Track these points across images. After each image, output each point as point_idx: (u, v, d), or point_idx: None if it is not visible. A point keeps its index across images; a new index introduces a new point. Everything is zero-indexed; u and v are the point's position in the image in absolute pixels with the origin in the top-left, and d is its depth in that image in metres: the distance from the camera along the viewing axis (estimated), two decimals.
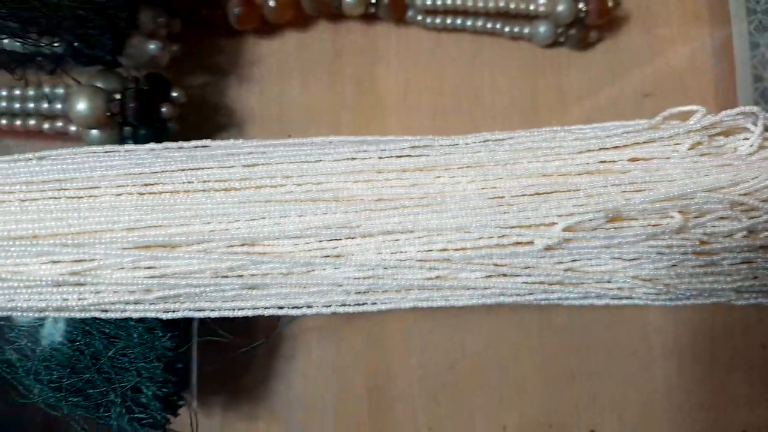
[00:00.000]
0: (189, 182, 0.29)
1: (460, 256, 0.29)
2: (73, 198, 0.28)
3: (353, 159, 0.30)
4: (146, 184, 0.28)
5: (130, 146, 0.30)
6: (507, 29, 0.42)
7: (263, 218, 0.28)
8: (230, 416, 0.40)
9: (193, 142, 0.31)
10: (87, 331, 0.32)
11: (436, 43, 0.43)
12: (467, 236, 0.29)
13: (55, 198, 0.28)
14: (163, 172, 0.29)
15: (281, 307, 0.30)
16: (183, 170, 0.29)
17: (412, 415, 0.41)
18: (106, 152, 0.30)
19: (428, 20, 0.43)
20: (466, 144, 0.31)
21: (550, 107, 0.44)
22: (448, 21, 0.43)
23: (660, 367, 0.42)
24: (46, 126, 0.36)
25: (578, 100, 0.43)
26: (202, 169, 0.29)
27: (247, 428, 0.40)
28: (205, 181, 0.29)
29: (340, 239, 0.29)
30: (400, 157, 0.30)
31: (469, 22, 0.43)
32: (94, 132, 0.36)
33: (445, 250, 0.29)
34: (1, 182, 0.29)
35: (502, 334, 0.41)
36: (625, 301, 0.33)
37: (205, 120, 0.41)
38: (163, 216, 0.28)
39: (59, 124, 0.37)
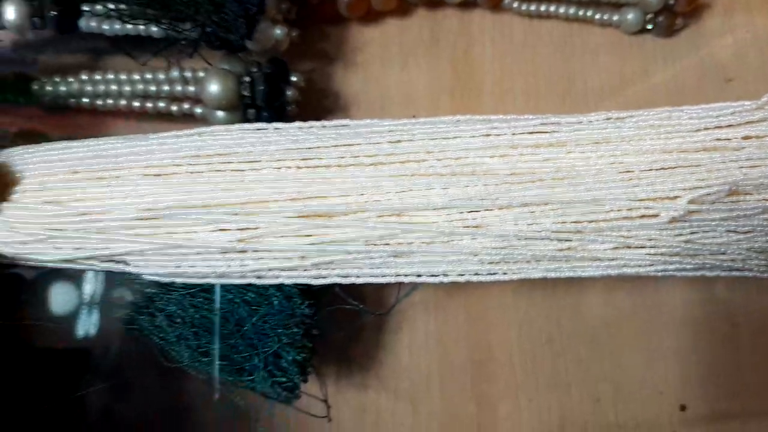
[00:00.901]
0: (341, 157, 0.31)
1: (592, 227, 0.31)
2: (236, 171, 0.30)
3: (488, 135, 0.32)
4: (304, 159, 0.31)
5: (279, 124, 0.32)
6: (597, 16, 0.44)
7: (411, 190, 0.31)
8: (342, 385, 0.42)
9: (336, 121, 0.33)
10: (231, 299, 0.34)
11: (528, 29, 0.45)
12: (598, 209, 0.31)
13: (220, 171, 0.30)
14: (317, 147, 0.31)
15: (420, 275, 0.32)
16: (335, 146, 0.31)
17: (514, 386, 0.42)
18: (258, 129, 0.32)
19: (523, 7, 0.45)
20: (590, 122, 0.33)
21: (636, 92, 0.46)
22: (542, 8, 0.45)
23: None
24: (174, 108, 0.38)
25: (664, 85, 0.44)
26: (352, 145, 0.31)
27: (358, 397, 0.42)
28: (355, 156, 0.31)
29: (479, 211, 0.31)
30: (533, 133, 0.32)
31: (561, 9, 0.45)
32: (220, 113, 0.38)
33: (578, 222, 0.31)
34: (171, 155, 0.31)
35: (594, 310, 0.43)
36: (736, 273, 0.34)
37: (313, 104, 0.43)
38: (322, 188, 0.30)
39: (186, 106, 0.39)
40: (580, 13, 0.44)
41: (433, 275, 0.32)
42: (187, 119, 0.39)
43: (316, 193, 0.30)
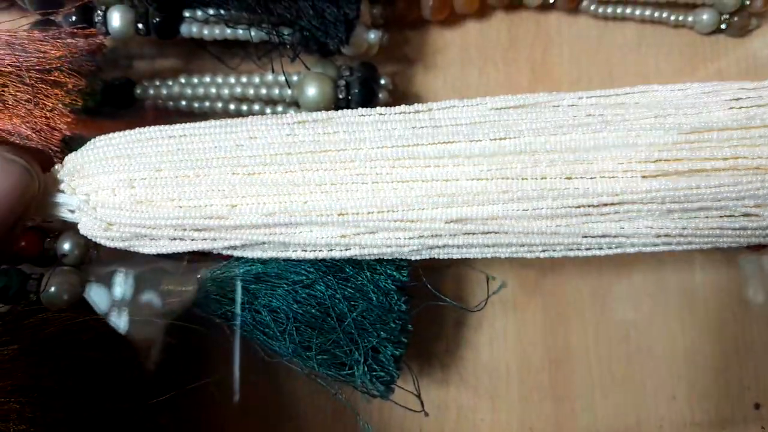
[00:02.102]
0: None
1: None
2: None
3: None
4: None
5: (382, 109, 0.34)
6: (672, 17, 0.44)
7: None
8: (425, 382, 0.43)
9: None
10: (331, 295, 0.35)
11: (603, 31, 0.45)
12: None
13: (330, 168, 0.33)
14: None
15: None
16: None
17: (590, 383, 0.43)
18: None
19: (599, 10, 0.45)
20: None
21: None
22: (618, 10, 0.45)
23: None
24: (268, 111, 0.40)
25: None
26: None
27: (440, 393, 0.43)
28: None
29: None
30: None
31: (637, 11, 0.45)
32: None
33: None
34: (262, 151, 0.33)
35: (669, 310, 0.44)
36: None
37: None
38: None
39: (280, 108, 0.40)
40: (655, 14, 0.44)
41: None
42: None
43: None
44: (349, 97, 0.38)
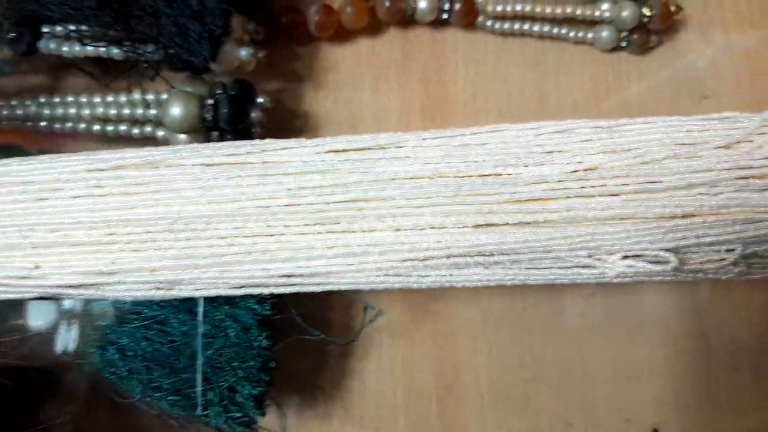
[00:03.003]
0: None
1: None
2: None
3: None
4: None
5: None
6: (571, 34, 0.42)
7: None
8: (305, 415, 0.40)
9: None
10: (185, 332, 0.31)
11: (501, 47, 0.43)
12: None
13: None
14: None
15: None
16: None
17: (481, 413, 0.40)
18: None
19: (496, 26, 0.43)
20: None
21: (611, 110, 0.44)
22: (516, 26, 0.43)
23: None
24: (135, 131, 0.36)
25: (638, 102, 0.43)
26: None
27: (323, 427, 0.40)
28: None
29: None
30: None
31: (535, 28, 0.43)
32: (183, 137, 0.36)
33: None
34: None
35: (567, 334, 0.41)
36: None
37: (282, 125, 0.41)
38: None
39: (148, 129, 0.37)
40: (554, 31, 0.42)
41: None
42: (148, 142, 0.37)
43: None
44: (217, 117, 0.34)
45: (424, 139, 0.28)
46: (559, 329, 0.40)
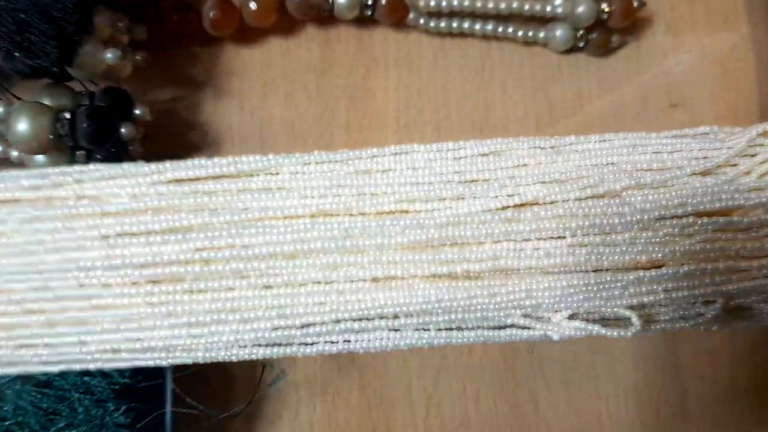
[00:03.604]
0: None
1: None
2: None
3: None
4: None
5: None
6: (520, 33, 0.36)
7: None
8: None
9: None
10: (20, 406, 0.24)
11: (439, 49, 0.36)
12: None
13: None
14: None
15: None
16: None
17: None
18: None
19: (431, 24, 0.36)
20: None
21: (567, 119, 0.38)
22: (454, 24, 0.36)
23: None
24: None
25: (600, 111, 0.37)
26: None
27: None
28: None
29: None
30: None
31: (477, 26, 0.36)
32: (39, 158, 0.28)
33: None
34: None
35: (522, 384, 0.35)
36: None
37: (175, 139, 0.34)
38: None
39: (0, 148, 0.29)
40: (500, 29, 0.35)
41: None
42: (3, 164, 0.29)
43: None
44: (75, 134, 0.27)
45: (306, 164, 0.21)
46: (511, 377, 0.35)
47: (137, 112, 0.30)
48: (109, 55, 0.29)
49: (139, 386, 0.26)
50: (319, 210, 0.20)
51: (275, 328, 0.20)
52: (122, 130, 0.29)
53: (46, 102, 0.29)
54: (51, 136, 0.28)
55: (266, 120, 0.35)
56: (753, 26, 0.38)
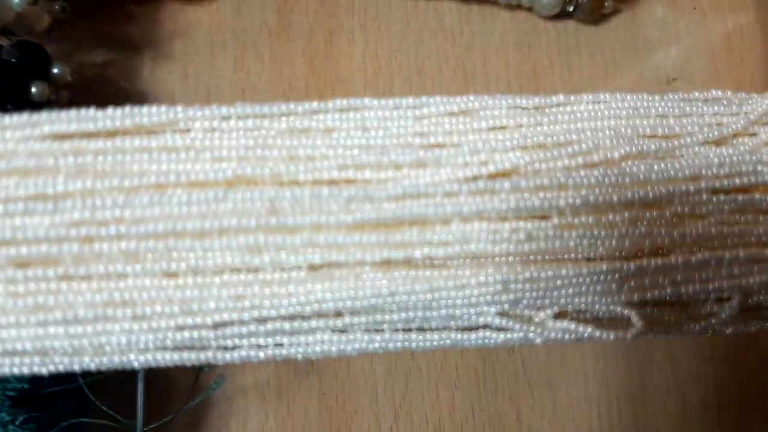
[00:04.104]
0: None
1: None
2: None
3: None
4: None
5: None
6: None
7: None
8: None
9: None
10: None
11: (411, 12, 0.34)
12: None
13: None
14: None
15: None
16: None
17: None
18: None
19: None
20: None
21: (555, 93, 0.34)
22: None
23: None
24: None
25: (589, 84, 0.34)
26: None
27: None
28: None
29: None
30: None
31: None
32: None
33: None
34: None
35: (500, 389, 0.31)
36: None
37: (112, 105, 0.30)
38: None
39: None
40: None
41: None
42: None
43: None
44: None
45: (224, 118, 0.16)
46: (491, 381, 0.31)
47: (55, 71, 0.26)
48: (16, 1, 0.24)
49: (43, 392, 0.21)
50: (237, 176, 0.16)
51: (180, 328, 0.16)
52: (32, 89, 0.25)
53: None
54: None
55: (213, 87, 0.32)
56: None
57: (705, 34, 0.35)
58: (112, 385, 0.25)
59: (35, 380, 0.22)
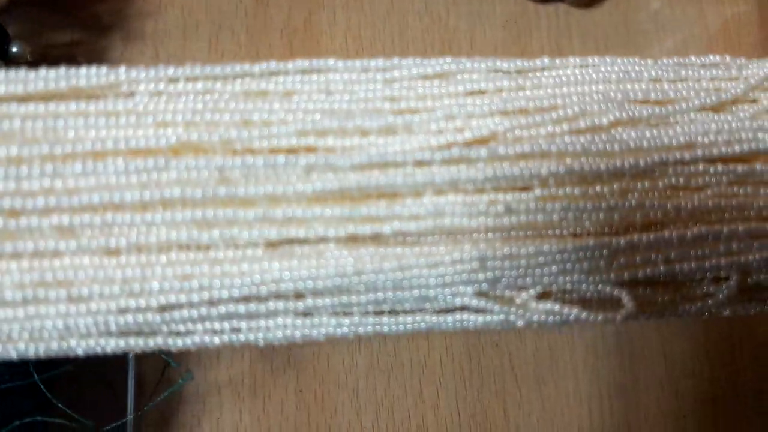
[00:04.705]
0: None
1: None
2: None
3: None
4: None
5: None
6: None
7: None
8: None
9: None
10: None
11: None
12: None
13: None
14: None
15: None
16: None
17: None
18: None
19: None
20: None
21: None
22: None
23: None
24: None
25: None
26: None
27: None
28: None
29: None
30: None
31: None
32: None
33: None
34: None
35: (486, 382, 0.30)
36: None
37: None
38: None
39: None
40: None
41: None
42: None
43: None
44: None
45: (172, 80, 0.15)
46: (476, 377, 0.30)
47: (14, 49, 0.24)
48: None
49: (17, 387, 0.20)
50: (183, 143, 0.14)
51: (123, 311, 0.14)
52: None
53: None
54: None
55: None
56: None
57: (701, 20, 0.34)
58: (70, 382, 0.24)
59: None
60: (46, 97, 0.15)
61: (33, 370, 0.21)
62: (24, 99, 0.14)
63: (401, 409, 0.30)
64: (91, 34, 0.31)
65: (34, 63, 0.27)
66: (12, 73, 0.15)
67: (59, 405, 0.21)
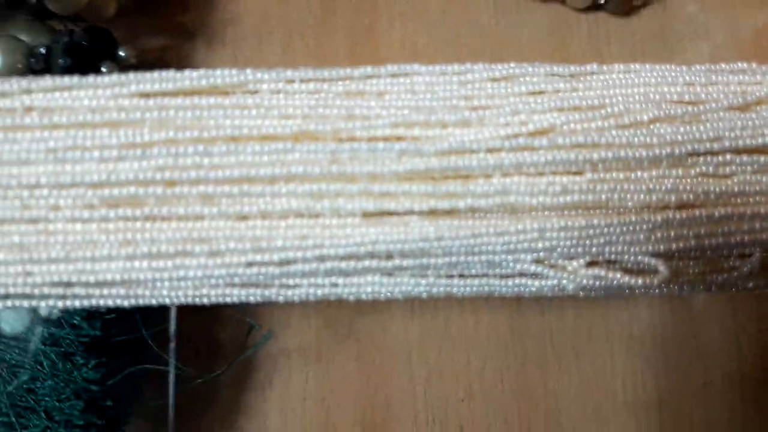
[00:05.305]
0: None
1: None
2: None
3: None
4: None
5: None
6: None
7: None
8: None
9: None
10: None
11: (447, 3, 0.34)
12: None
13: None
14: None
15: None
16: None
17: None
18: None
19: None
20: None
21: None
22: None
23: None
24: None
25: None
26: None
27: None
28: None
29: None
30: None
31: None
32: None
33: None
34: None
35: (529, 356, 0.32)
36: None
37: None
38: None
39: None
40: None
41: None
42: None
43: None
44: (51, 69, 0.24)
45: (288, 81, 0.18)
46: (519, 350, 0.32)
47: (121, 53, 0.28)
48: None
49: (112, 341, 0.23)
50: (301, 131, 0.18)
51: (250, 264, 0.18)
52: (102, 69, 0.27)
53: (23, 38, 0.27)
54: (24, 71, 0.25)
55: None
56: None
57: (734, 28, 0.35)
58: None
59: (105, 328, 0.23)
60: (190, 92, 0.18)
61: (142, 327, 0.25)
62: (173, 94, 0.18)
63: (450, 376, 0.32)
64: (178, 39, 0.33)
65: (137, 65, 0.30)
66: (164, 73, 0.18)
67: (164, 356, 0.24)
